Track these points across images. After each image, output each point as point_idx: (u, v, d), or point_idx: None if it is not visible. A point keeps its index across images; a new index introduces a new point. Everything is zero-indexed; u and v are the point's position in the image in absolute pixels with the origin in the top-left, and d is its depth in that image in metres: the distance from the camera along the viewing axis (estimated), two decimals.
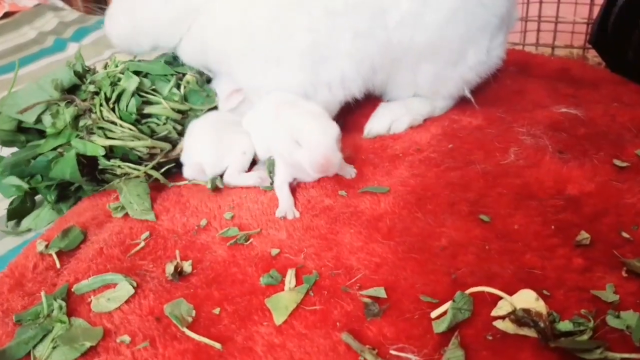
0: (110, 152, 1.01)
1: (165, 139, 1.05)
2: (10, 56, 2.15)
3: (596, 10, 1.69)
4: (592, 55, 1.80)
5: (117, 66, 1.09)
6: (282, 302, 0.71)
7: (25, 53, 2.17)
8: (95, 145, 0.97)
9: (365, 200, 0.92)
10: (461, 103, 1.24)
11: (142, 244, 0.87)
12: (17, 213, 1.05)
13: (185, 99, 1.10)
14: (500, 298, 0.69)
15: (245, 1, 1.02)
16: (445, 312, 0.67)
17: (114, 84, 1.04)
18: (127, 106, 1.01)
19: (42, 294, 0.74)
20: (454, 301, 0.67)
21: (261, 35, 1.03)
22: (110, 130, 1.00)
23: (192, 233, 0.89)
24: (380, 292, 0.71)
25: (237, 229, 0.87)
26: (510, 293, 0.69)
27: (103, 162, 0.99)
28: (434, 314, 0.67)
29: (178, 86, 1.10)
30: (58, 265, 0.84)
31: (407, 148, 1.07)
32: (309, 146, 0.86)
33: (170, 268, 0.78)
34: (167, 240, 0.87)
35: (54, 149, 1.00)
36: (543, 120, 1.14)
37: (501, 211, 0.87)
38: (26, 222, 1.04)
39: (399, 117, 1.14)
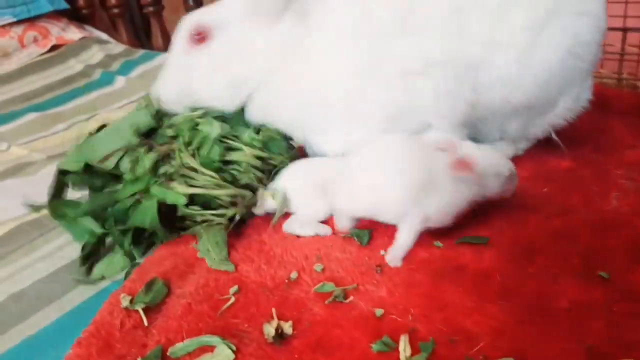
0: (189, 200, 0.97)
1: (246, 186, 1.00)
2: (59, 89, 2.15)
3: None
4: None
5: (194, 110, 1.06)
6: None
7: (73, 86, 2.17)
8: (177, 194, 0.93)
9: (466, 253, 0.86)
10: (544, 142, 1.18)
11: (232, 299, 0.81)
12: (89, 258, 1.01)
13: (264, 146, 1.06)
14: None
15: (316, 73, 1.00)
16: None
17: (192, 129, 1.01)
18: (208, 152, 0.97)
19: None
20: None
21: (337, 104, 1.00)
22: (192, 178, 0.96)
23: (284, 287, 0.83)
24: None
25: (333, 284, 0.82)
26: None
27: (183, 210, 0.95)
28: None
29: (257, 132, 1.06)
30: (146, 323, 0.79)
31: None
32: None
33: (270, 330, 0.73)
34: (258, 296, 0.82)
35: (132, 195, 0.96)
36: (638, 161, 1.08)
37: (619, 266, 0.80)
38: (99, 269, 0.99)
39: None
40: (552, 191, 1.00)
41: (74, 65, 2.33)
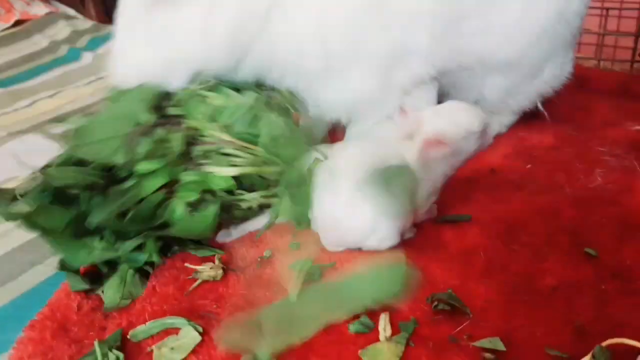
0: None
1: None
2: (23, 65, 2.05)
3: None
4: (620, 69, 1.74)
5: (201, 83, 0.89)
6: (382, 356, 0.60)
7: (38, 62, 2.07)
8: (225, 177, 0.78)
9: (447, 231, 0.82)
10: (525, 119, 1.15)
11: (200, 280, 0.76)
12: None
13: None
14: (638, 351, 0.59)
15: (318, 6, 0.91)
16: None
17: (202, 102, 0.85)
18: (248, 125, 0.81)
19: (96, 343, 0.63)
20: (594, 357, 0.57)
21: (336, 41, 0.91)
22: (235, 156, 0.80)
23: (256, 266, 0.78)
24: (498, 344, 0.61)
25: (310, 262, 0.77)
26: None
27: (227, 198, 0.80)
28: None
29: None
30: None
31: (479, 169, 0.98)
32: None
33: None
34: (227, 275, 0.77)
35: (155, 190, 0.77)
36: (620, 139, 1.06)
37: (607, 244, 0.77)
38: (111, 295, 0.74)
39: None
40: (535, 168, 0.97)
41: (40, 41, 2.23)
